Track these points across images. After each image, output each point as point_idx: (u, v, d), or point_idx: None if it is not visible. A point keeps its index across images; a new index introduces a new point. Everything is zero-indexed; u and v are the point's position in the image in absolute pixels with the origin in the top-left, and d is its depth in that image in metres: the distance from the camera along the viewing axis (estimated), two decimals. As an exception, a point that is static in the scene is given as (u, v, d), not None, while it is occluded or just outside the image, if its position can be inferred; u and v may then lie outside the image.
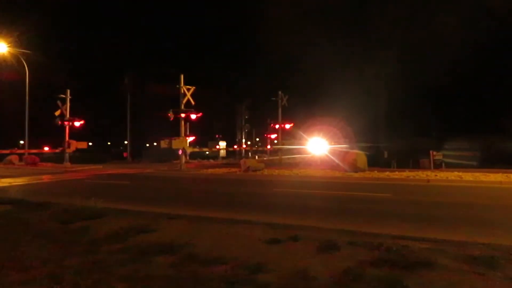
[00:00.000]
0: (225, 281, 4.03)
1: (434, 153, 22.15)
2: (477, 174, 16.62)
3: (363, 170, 19.27)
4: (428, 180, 15.71)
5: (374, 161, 22.80)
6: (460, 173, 16.98)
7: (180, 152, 24.58)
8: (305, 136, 35.10)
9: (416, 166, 22.60)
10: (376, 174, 18.23)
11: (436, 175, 16.78)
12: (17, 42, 29.27)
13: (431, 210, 9.30)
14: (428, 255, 4.79)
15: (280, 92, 32.76)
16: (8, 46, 29.00)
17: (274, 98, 32.83)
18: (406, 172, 18.16)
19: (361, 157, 19.94)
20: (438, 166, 21.57)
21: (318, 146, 31.98)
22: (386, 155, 29.19)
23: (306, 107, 43.15)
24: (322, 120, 38.35)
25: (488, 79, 47.03)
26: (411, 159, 24.76)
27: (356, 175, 18.19)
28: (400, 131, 39.16)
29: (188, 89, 24.49)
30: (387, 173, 18.41)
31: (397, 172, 18.52)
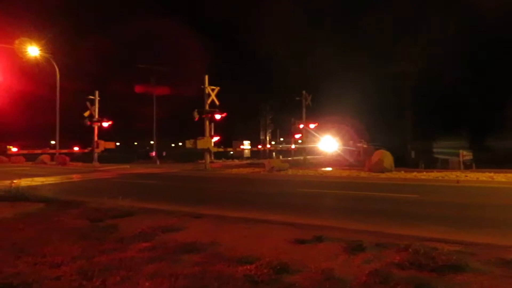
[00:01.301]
0: (250, 281, 4.04)
1: (464, 153, 21.53)
2: (510, 175, 16.03)
3: (389, 171, 18.92)
4: (458, 181, 15.27)
5: (401, 161, 22.36)
6: (492, 174, 16.42)
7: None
8: (326, 135, 34.88)
9: (445, 166, 22.05)
10: (403, 174, 17.88)
11: (466, 176, 16.30)
12: (48, 45, 30.25)
13: (461, 212, 9.05)
14: (457, 258, 4.66)
15: (304, 92, 32.62)
16: (40, 50, 30.00)
17: (298, 98, 32.72)
18: (434, 173, 17.72)
19: (387, 157, 19.59)
20: (468, 166, 20.97)
21: (339, 145, 31.79)
22: (413, 155, 28.62)
23: (328, 106, 42.80)
24: (345, 119, 37.95)
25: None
26: (439, 159, 24.17)
27: (382, 175, 17.88)
28: (428, 130, 38.24)
29: (213, 90, 24.69)
30: (414, 173, 18.02)
31: (424, 173, 18.10)
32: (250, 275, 4.17)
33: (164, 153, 43.52)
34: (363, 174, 18.75)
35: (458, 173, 17.37)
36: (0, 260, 4.81)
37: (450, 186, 14.29)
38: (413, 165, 23.50)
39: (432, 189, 13.62)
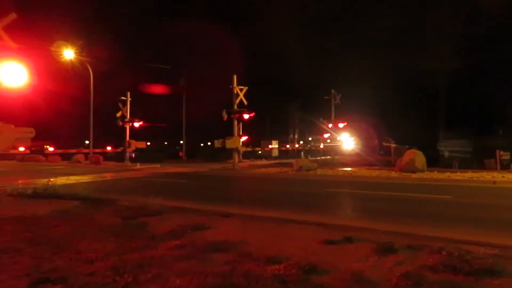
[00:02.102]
0: (278, 280, 4.03)
1: (501, 153, 20.70)
2: (551, 175, 15.31)
3: (421, 171, 18.45)
4: (494, 182, 14.70)
5: (434, 162, 21.73)
6: (531, 175, 15.74)
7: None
8: (347, 134, 34.48)
9: (481, 166, 21.28)
10: (435, 175, 17.39)
11: (503, 177, 15.67)
12: (83, 48, 31.25)
13: (497, 214, 8.71)
14: (494, 262, 4.48)
15: (333, 91, 32.31)
16: (75, 53, 31.02)
17: (327, 97, 32.43)
18: (469, 173, 17.14)
19: (419, 157, 19.10)
20: (505, 167, 20.16)
21: (360, 144, 31.36)
22: (446, 155, 27.78)
23: (356, 106, 42.18)
24: (372, 119, 37.26)
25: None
26: (474, 159, 23.35)
27: (414, 175, 17.45)
28: (462, 129, 37.03)
29: (241, 90, 24.81)
30: (447, 174, 17.49)
31: (459, 173, 17.53)
32: (278, 275, 4.16)
33: (180, 153, 44.16)
34: (393, 174, 18.36)
35: (495, 174, 16.73)
36: (39, 255, 5.01)
37: (486, 187, 13.77)
38: (446, 165, 22.79)
39: (467, 190, 13.18)
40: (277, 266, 4.42)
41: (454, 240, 5.67)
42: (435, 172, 18.25)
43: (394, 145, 29.03)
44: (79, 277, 4.17)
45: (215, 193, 13.90)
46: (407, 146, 26.61)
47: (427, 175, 17.55)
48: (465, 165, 22.35)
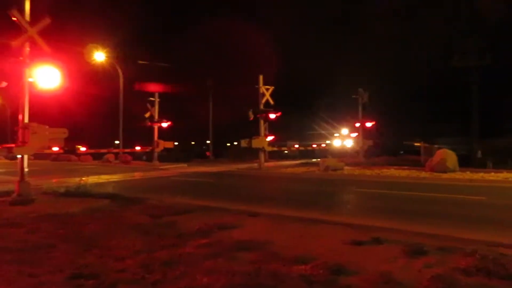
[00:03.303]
0: (305, 281, 4.01)
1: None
2: None
3: (453, 171, 17.91)
4: (531, 183, 14.12)
5: (466, 161, 21.04)
6: None
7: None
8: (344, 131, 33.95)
9: None
10: (468, 175, 16.84)
11: (540, 177, 15.03)
12: (113, 51, 32.03)
13: (535, 216, 8.36)
14: (531, 265, 4.31)
15: (360, 89, 31.81)
16: (106, 56, 31.84)
17: (354, 96, 31.97)
18: (504, 173, 16.51)
19: (451, 156, 18.55)
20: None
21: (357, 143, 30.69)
22: (479, 155, 26.86)
23: (384, 104, 41.33)
24: (403, 116, 36.36)
25: None
26: (510, 159, 22.45)
27: (445, 175, 16.97)
28: (497, 128, 35.63)
29: (267, 89, 24.79)
30: (481, 174, 16.90)
31: (493, 173, 16.90)
32: (305, 275, 4.14)
33: (207, 153, 44.50)
34: (423, 174, 17.92)
35: (532, 174, 16.05)
36: (72, 252, 5.18)
37: (522, 188, 13.24)
38: (480, 165, 22.02)
39: (502, 191, 12.70)
40: (303, 266, 4.40)
41: (488, 242, 5.48)
42: (468, 172, 17.68)
43: (424, 144, 28.27)
44: (110, 273, 4.28)
45: (241, 193, 13.97)
46: (437, 146, 25.88)
47: (459, 175, 17.03)
48: (500, 165, 21.52)
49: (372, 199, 11.67)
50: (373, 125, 32.34)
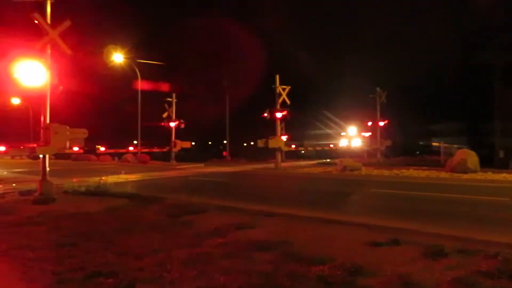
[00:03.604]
0: (323, 281, 3.99)
1: None
2: None
3: (474, 171, 17.53)
4: (556, 184, 13.72)
5: (488, 162, 20.56)
6: None
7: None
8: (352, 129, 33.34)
9: None
10: (490, 175, 16.46)
11: None
12: (131, 52, 32.47)
13: (560, 218, 8.12)
14: (556, 269, 4.18)
15: (378, 89, 31.45)
16: (125, 57, 32.29)
17: (372, 95, 31.62)
18: (528, 174, 16.10)
19: (471, 156, 18.16)
20: None
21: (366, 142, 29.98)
22: (502, 155, 26.23)
23: (402, 103, 40.69)
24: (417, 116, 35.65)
25: None
26: None
27: (466, 176, 16.62)
28: None
29: (284, 89, 24.74)
30: (503, 175, 16.48)
31: (515, 174, 16.50)
32: (323, 276, 4.12)
33: (223, 153, 44.56)
34: (443, 174, 17.60)
35: (557, 175, 15.60)
36: (92, 250, 5.28)
37: (546, 189, 12.87)
38: (502, 166, 21.50)
39: (525, 192, 12.37)
40: (321, 267, 4.37)
41: (510, 245, 5.34)
42: (489, 172, 17.28)
43: (444, 144, 27.77)
44: (128, 271, 4.35)
45: (258, 193, 13.97)
46: (457, 146, 25.39)
47: (480, 175, 16.67)
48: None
49: (391, 199, 11.52)
50: (384, 124, 31.93)
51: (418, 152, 38.85)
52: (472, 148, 20.21)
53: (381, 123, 31.78)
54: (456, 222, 7.68)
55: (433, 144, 34.26)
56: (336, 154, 33.88)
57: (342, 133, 36.22)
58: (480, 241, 5.64)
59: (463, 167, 17.70)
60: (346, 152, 32.85)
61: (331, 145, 37.07)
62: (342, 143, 35.17)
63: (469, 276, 4.06)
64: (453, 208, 9.58)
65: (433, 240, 5.53)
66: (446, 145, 27.34)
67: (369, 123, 31.89)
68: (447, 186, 14.32)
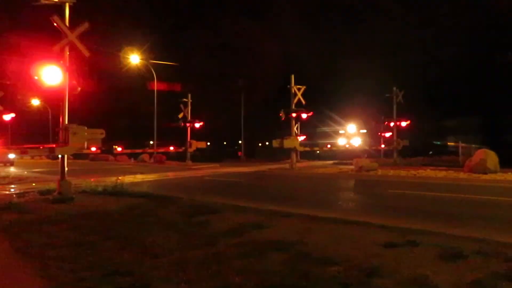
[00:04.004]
0: (338, 282, 3.96)
1: None
2: None
3: (493, 172, 17.16)
4: None
5: (508, 162, 20.06)
6: None
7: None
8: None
9: None
10: (510, 176, 16.08)
11: None
12: (147, 53, 32.84)
13: None
14: None
15: (394, 88, 31.07)
16: (141, 59, 32.68)
17: (388, 95, 31.26)
18: (550, 175, 15.68)
19: (491, 156, 17.79)
20: None
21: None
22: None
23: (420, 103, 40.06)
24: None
25: None
26: None
27: (485, 177, 16.29)
28: None
29: (299, 89, 24.66)
30: (524, 175, 16.12)
31: (537, 174, 16.09)
32: (338, 277, 4.09)
33: (238, 153, 44.51)
34: (462, 175, 17.29)
35: None
36: (109, 249, 5.35)
37: None
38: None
39: (547, 193, 12.06)
40: (336, 268, 4.35)
41: (532, 247, 5.22)
42: (510, 173, 16.89)
43: (462, 144, 27.27)
44: (145, 270, 4.40)
45: (273, 193, 13.96)
46: (475, 145, 24.88)
47: (500, 176, 16.30)
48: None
49: (407, 200, 11.37)
50: (407, 124, 31.47)
51: (431, 152, 38.09)
52: (492, 148, 19.79)
53: (404, 123, 31.35)
54: (475, 224, 7.53)
55: (449, 143, 33.63)
56: (334, 154, 32.85)
57: (341, 131, 34.71)
58: (499, 243, 5.51)
59: (482, 168, 17.36)
60: (345, 152, 31.40)
61: (328, 145, 35.56)
62: (340, 142, 33.41)
63: (488, 279, 3.99)
64: (472, 209, 9.40)
65: (451, 242, 5.44)
66: (463, 144, 26.83)
67: (391, 124, 31.46)
68: (465, 186, 14.06)
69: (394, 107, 31.01)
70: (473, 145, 25.43)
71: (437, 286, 3.87)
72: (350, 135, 32.20)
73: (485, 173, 16.92)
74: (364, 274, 4.15)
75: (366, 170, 20.27)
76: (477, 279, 3.97)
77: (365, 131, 33.20)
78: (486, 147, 20.58)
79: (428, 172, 18.84)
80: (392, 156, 31.48)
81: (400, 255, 4.95)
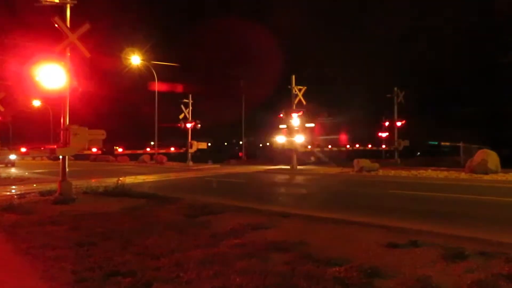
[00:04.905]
0: (340, 283, 3.95)
1: None
2: None
3: (494, 172, 17.15)
4: None
5: (509, 162, 20.03)
6: None
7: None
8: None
9: None
10: (511, 176, 16.07)
11: None
12: (148, 54, 32.86)
13: None
14: None
15: (395, 89, 31.11)
16: (142, 59, 32.69)
17: (389, 95, 31.28)
18: (551, 175, 15.65)
19: (492, 157, 17.78)
20: None
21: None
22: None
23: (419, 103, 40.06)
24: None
25: None
26: None
27: (487, 177, 16.27)
28: None
29: (300, 90, 24.67)
30: (526, 175, 16.09)
31: (538, 175, 16.06)
32: (339, 278, 4.08)
33: (239, 154, 44.38)
34: (463, 175, 17.27)
35: None
36: (110, 249, 5.35)
37: None
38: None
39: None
40: (338, 268, 4.34)
41: (534, 247, 5.20)
42: (511, 173, 16.87)
43: (463, 144, 27.25)
44: (146, 271, 4.39)
45: (274, 193, 13.96)
46: (477, 146, 24.85)
47: (501, 176, 16.28)
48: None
49: (408, 200, 11.36)
50: (402, 124, 31.50)
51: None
52: (493, 148, 19.78)
53: (398, 123, 31.39)
54: (476, 224, 7.51)
55: (442, 143, 33.58)
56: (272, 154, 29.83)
57: (281, 126, 26.19)
58: (501, 243, 5.50)
59: (484, 168, 17.34)
60: (284, 154, 26.28)
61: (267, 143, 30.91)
62: (279, 140, 26.05)
63: (489, 279, 3.98)
64: (474, 210, 9.38)
65: (453, 242, 5.42)
66: (465, 144, 26.80)
67: (397, 123, 31.42)
68: (467, 187, 14.04)
69: (395, 107, 31.04)
70: (475, 146, 25.41)
71: (439, 286, 3.86)
72: (294, 130, 24.66)
73: (486, 173, 16.90)
74: (365, 274, 4.15)
75: (367, 170, 20.28)
76: (478, 280, 3.96)
77: (312, 125, 26.95)
78: (487, 147, 20.57)
79: (429, 173, 18.83)
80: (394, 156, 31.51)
81: (402, 255, 4.94)
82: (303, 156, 28.13)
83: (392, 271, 4.30)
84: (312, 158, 30.21)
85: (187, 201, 9.61)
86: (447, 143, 32.55)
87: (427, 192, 12.90)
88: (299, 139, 24.65)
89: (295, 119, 24.21)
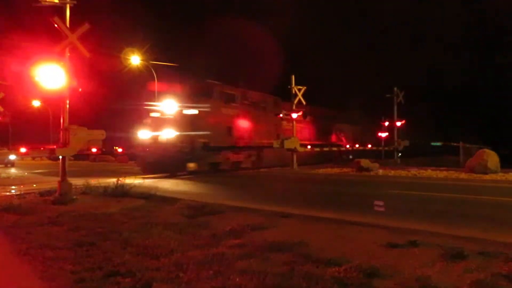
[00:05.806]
0: (339, 283, 3.96)
1: None
2: None
3: (494, 172, 17.15)
4: None
5: (509, 162, 20.05)
6: None
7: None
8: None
9: None
10: (511, 176, 16.08)
11: None
12: (147, 54, 32.82)
13: None
14: None
15: (395, 89, 31.12)
16: (142, 60, 32.66)
17: (389, 95, 31.30)
18: (551, 175, 15.66)
19: (492, 157, 17.78)
20: None
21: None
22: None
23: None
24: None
25: None
26: None
27: (486, 177, 16.27)
28: None
29: (299, 89, 24.67)
30: (526, 175, 16.10)
31: (538, 175, 16.07)
32: (339, 278, 4.09)
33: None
34: (462, 175, 17.27)
35: None
36: (109, 250, 5.35)
37: None
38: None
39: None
40: (337, 269, 4.34)
41: (533, 247, 5.21)
42: (511, 173, 16.87)
43: (463, 144, 27.28)
44: (145, 271, 4.39)
45: (273, 193, 13.95)
46: (477, 146, 24.88)
47: (501, 176, 16.29)
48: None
49: (408, 201, 11.36)
50: (402, 124, 31.51)
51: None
52: (492, 148, 19.80)
53: (398, 123, 31.41)
54: (476, 224, 7.51)
55: (442, 143, 33.63)
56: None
57: (152, 114, 20.25)
58: (501, 243, 5.50)
59: (483, 168, 17.35)
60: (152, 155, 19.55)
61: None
62: (141, 135, 20.43)
63: (489, 279, 3.98)
64: (473, 210, 9.38)
65: (452, 242, 5.42)
66: (464, 145, 26.82)
67: (398, 123, 31.41)
68: (466, 187, 14.04)
69: (395, 107, 31.06)
70: (475, 145, 25.44)
71: (438, 286, 3.86)
72: (159, 121, 18.90)
73: (486, 173, 16.91)
74: (364, 274, 4.15)
75: (367, 170, 20.27)
76: (478, 280, 3.97)
77: (196, 112, 18.95)
78: (486, 147, 20.59)
79: (429, 173, 18.84)
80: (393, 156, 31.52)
81: (401, 255, 4.95)
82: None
83: (392, 271, 4.31)
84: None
85: (186, 202, 9.60)
86: (447, 143, 32.61)
87: (427, 192, 12.90)
88: (168, 134, 19.70)
89: (168, 101, 20.28)
